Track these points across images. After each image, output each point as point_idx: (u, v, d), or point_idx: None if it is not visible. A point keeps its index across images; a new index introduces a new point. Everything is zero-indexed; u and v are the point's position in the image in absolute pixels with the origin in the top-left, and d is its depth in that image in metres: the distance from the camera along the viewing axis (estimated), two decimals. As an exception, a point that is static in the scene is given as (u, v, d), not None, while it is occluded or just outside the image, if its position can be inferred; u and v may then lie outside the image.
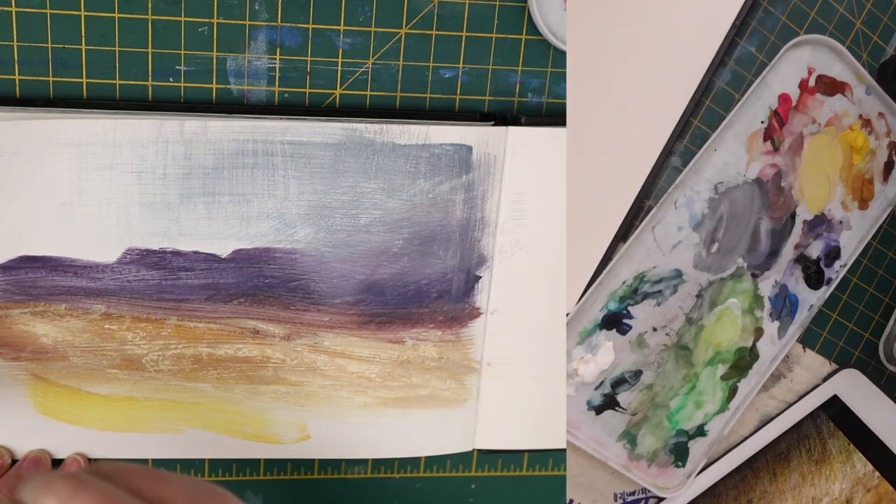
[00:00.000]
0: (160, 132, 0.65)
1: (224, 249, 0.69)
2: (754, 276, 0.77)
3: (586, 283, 0.73)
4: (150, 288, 0.68)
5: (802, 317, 0.79)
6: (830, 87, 0.76)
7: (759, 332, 0.78)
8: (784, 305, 0.78)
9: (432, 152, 0.69)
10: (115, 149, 0.65)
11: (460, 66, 0.71)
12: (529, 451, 0.81)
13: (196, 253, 0.68)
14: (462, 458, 0.80)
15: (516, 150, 0.70)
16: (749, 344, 0.77)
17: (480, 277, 0.73)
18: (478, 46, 0.71)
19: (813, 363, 0.82)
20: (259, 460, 0.77)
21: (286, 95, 0.69)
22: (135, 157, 0.65)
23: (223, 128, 0.66)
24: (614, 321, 0.74)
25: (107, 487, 0.44)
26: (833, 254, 0.79)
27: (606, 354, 0.74)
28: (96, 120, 0.64)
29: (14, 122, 0.63)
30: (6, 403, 0.70)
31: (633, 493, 0.79)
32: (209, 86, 0.68)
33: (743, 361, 0.78)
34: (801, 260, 0.78)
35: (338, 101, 0.70)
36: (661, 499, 0.79)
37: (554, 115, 0.73)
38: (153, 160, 0.66)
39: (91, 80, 0.66)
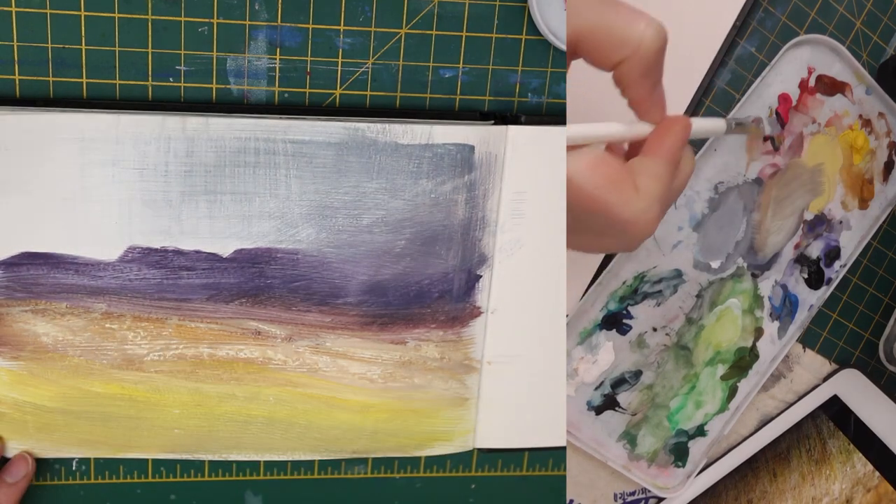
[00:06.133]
0: (162, 129, 0.65)
1: (226, 249, 0.68)
2: (754, 276, 0.77)
3: (586, 283, 0.73)
4: (151, 287, 0.68)
5: (802, 317, 0.79)
6: (830, 86, 0.76)
7: (759, 332, 0.78)
8: (784, 305, 0.78)
9: (435, 152, 0.69)
10: (118, 145, 0.65)
11: (460, 66, 0.71)
12: (529, 451, 0.81)
13: (198, 252, 0.68)
14: (462, 458, 0.80)
15: (517, 149, 0.70)
16: (749, 344, 0.78)
17: (481, 277, 0.73)
18: (478, 46, 0.71)
19: (813, 363, 0.82)
20: (259, 460, 0.77)
21: (286, 95, 0.69)
22: (137, 153, 0.65)
23: (225, 125, 0.66)
24: (614, 321, 0.74)
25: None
26: (833, 254, 0.79)
27: (606, 354, 0.74)
28: (99, 115, 0.64)
29: (17, 115, 0.63)
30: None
31: (633, 493, 0.79)
32: (209, 86, 0.68)
33: (743, 361, 0.78)
34: (801, 260, 0.78)
35: (338, 101, 0.70)
36: (661, 499, 0.79)
37: (554, 115, 0.73)
38: (155, 157, 0.65)
39: (91, 80, 0.66)
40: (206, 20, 0.67)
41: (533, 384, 0.76)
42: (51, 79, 0.66)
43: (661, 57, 0.50)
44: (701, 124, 0.56)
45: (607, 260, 0.73)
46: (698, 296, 0.75)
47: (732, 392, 0.78)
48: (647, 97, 0.52)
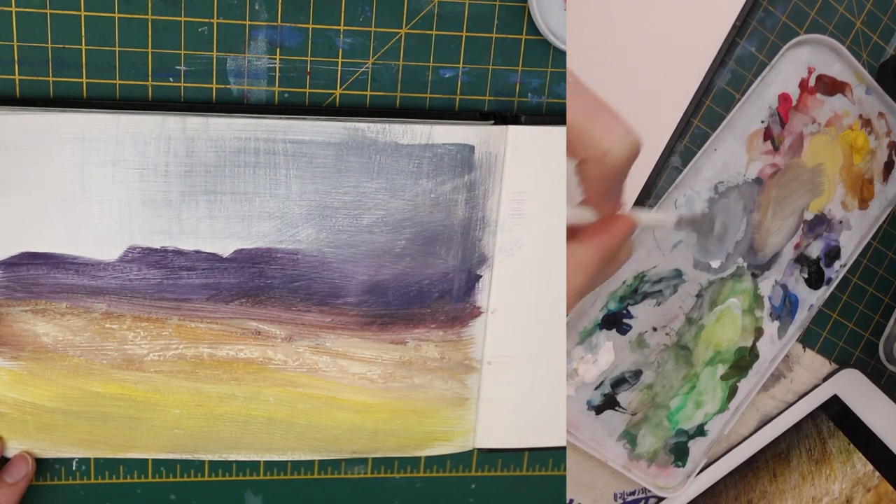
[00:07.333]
0: (162, 128, 0.65)
1: (226, 249, 0.68)
2: (754, 276, 0.77)
3: (586, 283, 0.73)
4: (151, 287, 0.68)
5: (802, 317, 0.79)
6: (830, 86, 0.76)
7: (759, 332, 0.78)
8: (784, 305, 0.78)
9: (435, 152, 0.69)
10: (118, 145, 0.65)
11: (460, 66, 0.71)
12: (529, 451, 0.81)
13: (198, 252, 0.68)
14: (462, 458, 0.80)
15: (517, 148, 0.70)
16: (749, 344, 0.78)
17: (481, 277, 0.73)
18: (478, 46, 0.71)
19: (813, 363, 0.82)
20: (259, 460, 0.77)
21: (286, 95, 0.69)
22: (137, 153, 0.65)
23: (225, 125, 0.66)
24: (614, 321, 0.74)
25: None
26: (833, 254, 0.79)
27: (606, 354, 0.74)
28: (99, 115, 0.64)
29: (17, 115, 0.63)
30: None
31: (633, 493, 0.79)
32: (209, 86, 0.68)
33: (743, 361, 0.78)
34: (801, 260, 0.78)
35: (338, 101, 0.70)
36: (661, 499, 0.79)
37: (554, 115, 0.73)
38: (155, 157, 0.65)
39: (91, 80, 0.66)
40: (206, 20, 0.67)
41: (533, 384, 0.76)
42: (51, 79, 0.66)
43: (625, 168, 0.50)
44: (651, 218, 0.58)
45: (607, 260, 0.73)
46: (698, 296, 0.75)
47: (732, 392, 0.78)
48: (600, 196, 0.52)
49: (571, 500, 0.77)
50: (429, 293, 0.72)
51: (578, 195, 0.52)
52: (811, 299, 0.79)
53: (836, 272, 0.80)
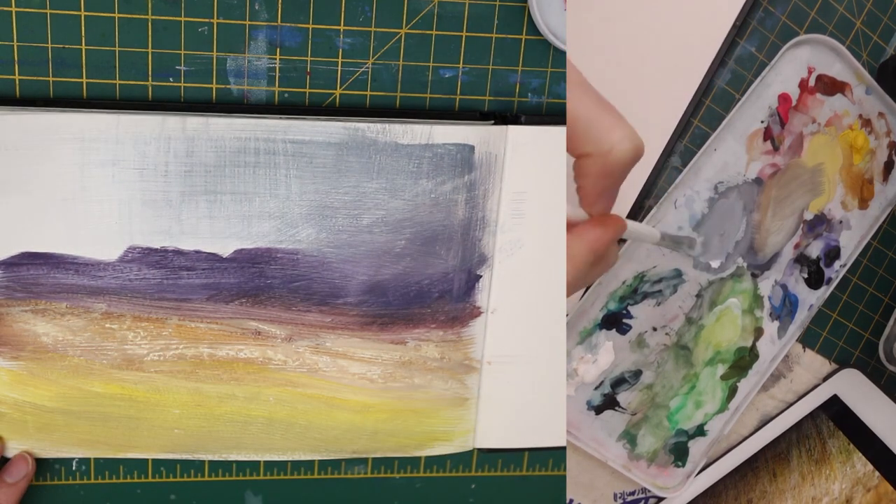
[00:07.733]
0: (162, 128, 0.65)
1: (226, 249, 0.68)
2: (754, 276, 0.77)
3: (586, 283, 0.73)
4: (151, 287, 0.68)
5: (802, 317, 0.79)
6: (830, 86, 0.76)
7: (758, 332, 0.78)
8: (784, 305, 0.78)
9: (435, 152, 0.69)
10: (118, 145, 0.65)
11: (460, 66, 0.71)
12: (529, 451, 0.81)
13: (198, 252, 0.68)
14: (462, 458, 0.80)
15: (517, 148, 0.70)
16: (749, 344, 0.78)
17: (481, 277, 0.73)
18: (478, 46, 0.71)
19: (813, 363, 0.82)
20: (259, 460, 0.77)
21: (286, 95, 0.69)
22: (137, 153, 0.65)
23: (225, 125, 0.66)
24: (614, 321, 0.74)
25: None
26: (833, 254, 0.79)
27: (606, 354, 0.74)
28: (99, 115, 0.64)
29: (17, 115, 0.63)
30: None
31: (633, 493, 0.79)
32: (209, 86, 0.68)
33: (743, 361, 0.78)
34: (801, 260, 0.78)
35: (338, 101, 0.70)
36: (661, 499, 0.79)
37: (554, 115, 0.73)
38: (155, 157, 0.65)
39: (91, 80, 0.66)
40: (206, 20, 0.67)
41: (533, 384, 0.76)
42: (51, 79, 0.66)
43: (626, 169, 0.50)
44: (636, 228, 0.58)
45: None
46: (698, 295, 0.75)
47: (732, 392, 0.78)
48: (595, 194, 0.52)
49: (571, 500, 0.77)
50: (429, 293, 0.72)
51: (575, 197, 0.52)
52: (811, 299, 0.79)
53: (836, 272, 0.80)
